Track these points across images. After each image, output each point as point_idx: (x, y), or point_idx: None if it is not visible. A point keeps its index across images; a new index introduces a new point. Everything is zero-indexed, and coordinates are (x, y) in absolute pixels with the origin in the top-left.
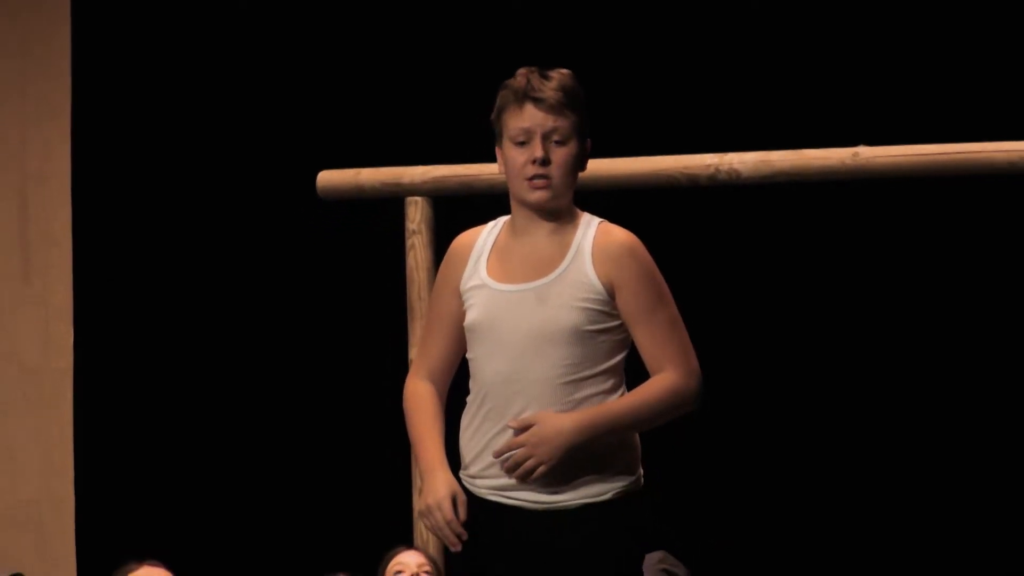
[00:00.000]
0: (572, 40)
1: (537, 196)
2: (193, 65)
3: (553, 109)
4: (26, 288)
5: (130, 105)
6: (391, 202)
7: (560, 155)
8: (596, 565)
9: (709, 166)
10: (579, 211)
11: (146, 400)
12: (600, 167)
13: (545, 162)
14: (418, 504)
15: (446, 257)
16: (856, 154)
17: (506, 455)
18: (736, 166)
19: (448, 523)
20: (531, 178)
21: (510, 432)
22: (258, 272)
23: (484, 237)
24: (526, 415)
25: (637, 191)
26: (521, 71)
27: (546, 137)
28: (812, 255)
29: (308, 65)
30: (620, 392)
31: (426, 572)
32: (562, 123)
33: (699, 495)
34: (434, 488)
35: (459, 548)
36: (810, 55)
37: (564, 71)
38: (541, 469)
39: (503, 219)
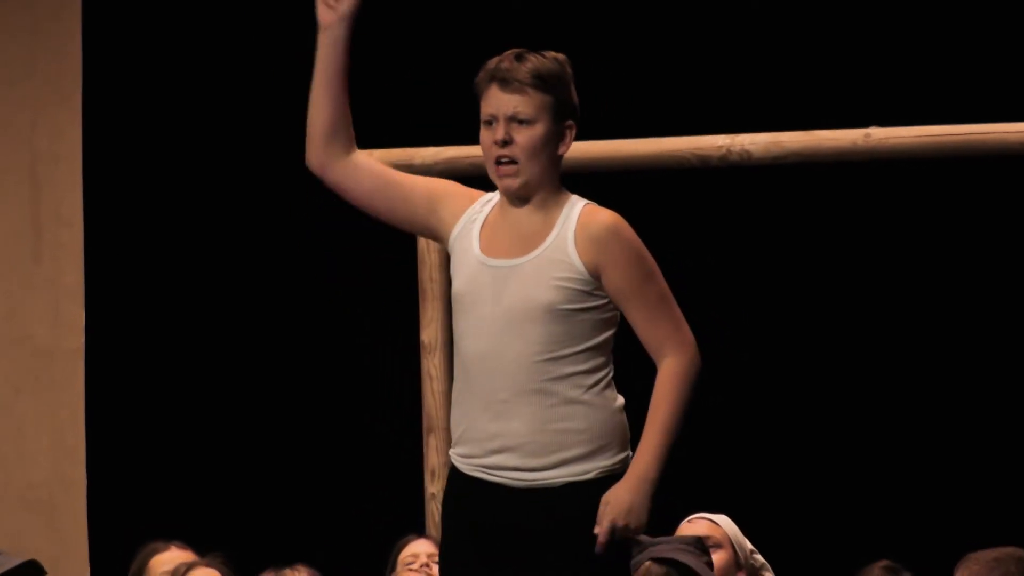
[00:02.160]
0: (583, 21)
1: (505, 183)
2: (204, 47)
3: (516, 90)
4: (37, 269)
5: (141, 86)
6: None
7: (524, 136)
8: (576, 544)
9: (720, 147)
10: (567, 192)
11: (158, 381)
12: (611, 148)
13: (506, 143)
14: None
15: (455, 188)
16: (868, 135)
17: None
18: (747, 147)
19: None
20: (496, 161)
21: (488, 409)
22: (269, 254)
23: (478, 207)
24: (600, 523)
25: (648, 172)
26: (505, 53)
27: (511, 118)
28: (824, 236)
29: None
30: (605, 372)
31: (436, 561)
32: (525, 104)
33: (697, 479)
34: None
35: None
36: (822, 36)
37: (550, 53)
38: (640, 526)
39: (497, 194)
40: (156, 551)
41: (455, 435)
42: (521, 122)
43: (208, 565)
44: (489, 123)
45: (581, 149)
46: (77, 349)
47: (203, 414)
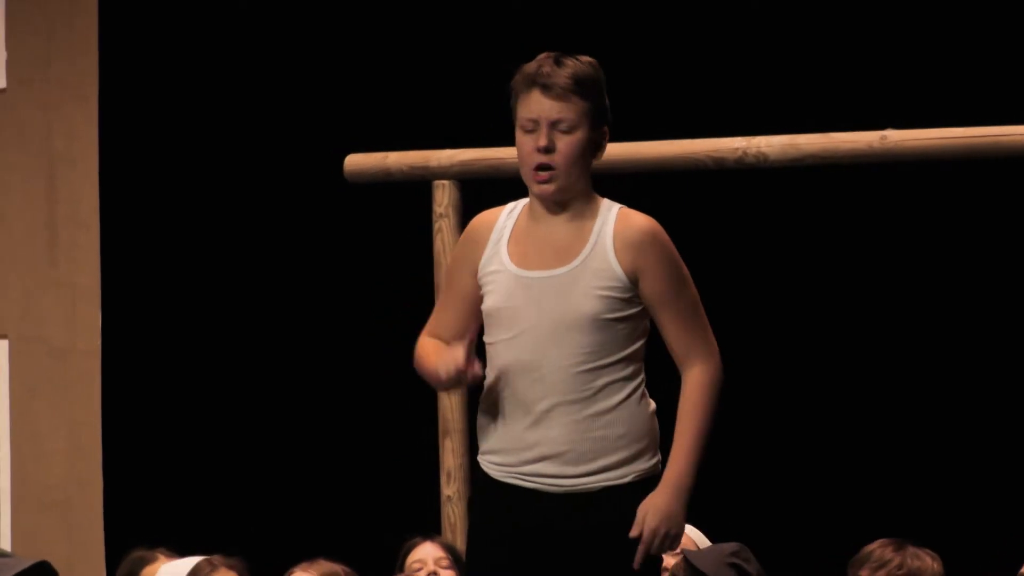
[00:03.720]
0: (601, 23)
1: (541, 189)
2: (221, 48)
3: (559, 97)
4: (53, 270)
5: (157, 86)
6: (418, 186)
7: (566, 143)
8: (613, 548)
9: (737, 149)
10: (598, 197)
11: (174, 383)
12: (628, 150)
13: (548, 150)
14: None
15: (465, 236)
16: (884, 137)
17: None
18: (764, 149)
19: (456, 360)
20: (536, 168)
21: (525, 417)
22: (285, 256)
23: (503, 220)
24: (636, 527)
25: (664, 174)
26: (540, 57)
27: (552, 125)
28: (840, 239)
29: (336, 49)
30: (640, 379)
31: (443, 565)
32: (568, 111)
33: (718, 481)
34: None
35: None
36: (838, 38)
37: (584, 58)
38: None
39: (522, 202)
40: (144, 561)
41: (485, 442)
42: (563, 130)
43: (230, 567)
44: (530, 130)
45: None
46: (93, 350)
47: (219, 415)
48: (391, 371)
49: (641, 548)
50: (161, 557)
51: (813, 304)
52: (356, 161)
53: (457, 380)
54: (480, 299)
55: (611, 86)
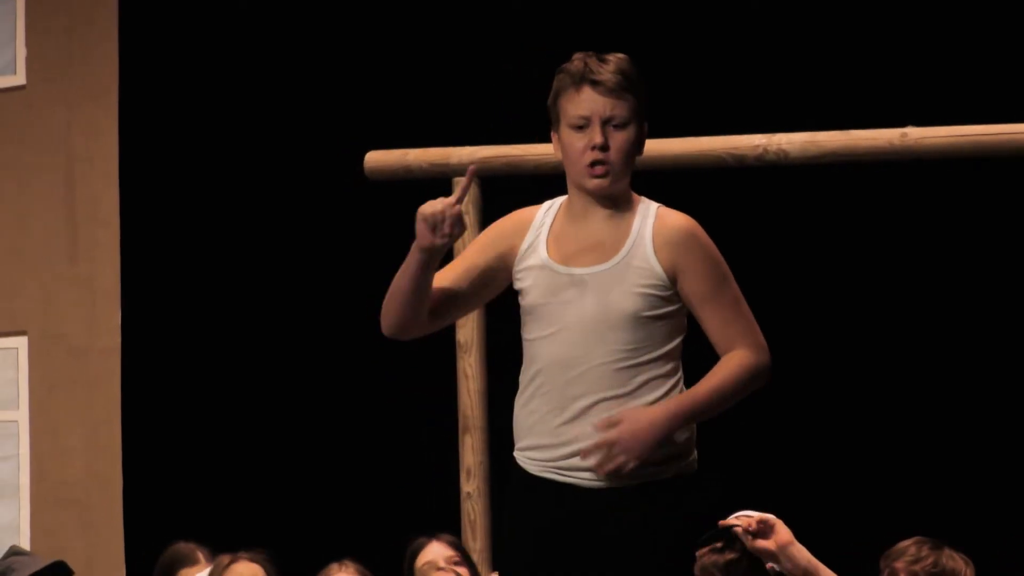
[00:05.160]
0: (620, 20)
1: (596, 183)
2: (240, 46)
3: (611, 93)
4: (73, 269)
5: (177, 84)
6: (439, 183)
7: (618, 140)
8: (650, 544)
9: (757, 147)
10: (636, 195)
11: (193, 380)
12: (648, 148)
13: (604, 148)
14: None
15: (503, 224)
16: (904, 135)
17: (595, 450)
18: (784, 147)
19: (444, 205)
20: (591, 164)
21: (563, 413)
22: (305, 253)
23: (541, 216)
24: (611, 415)
25: (685, 172)
26: (578, 55)
27: (605, 122)
28: (860, 236)
29: (356, 45)
30: (678, 376)
31: (455, 562)
32: (620, 107)
33: (752, 477)
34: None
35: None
36: (859, 35)
37: (621, 55)
38: (632, 464)
39: (558, 200)
40: (185, 561)
41: (523, 438)
42: (616, 126)
43: (252, 560)
44: (580, 126)
45: None
46: (113, 348)
47: (238, 413)
48: (411, 368)
49: (591, 445)
50: (202, 559)
51: (837, 301)
52: (376, 158)
53: (441, 217)
54: (486, 285)
55: None
